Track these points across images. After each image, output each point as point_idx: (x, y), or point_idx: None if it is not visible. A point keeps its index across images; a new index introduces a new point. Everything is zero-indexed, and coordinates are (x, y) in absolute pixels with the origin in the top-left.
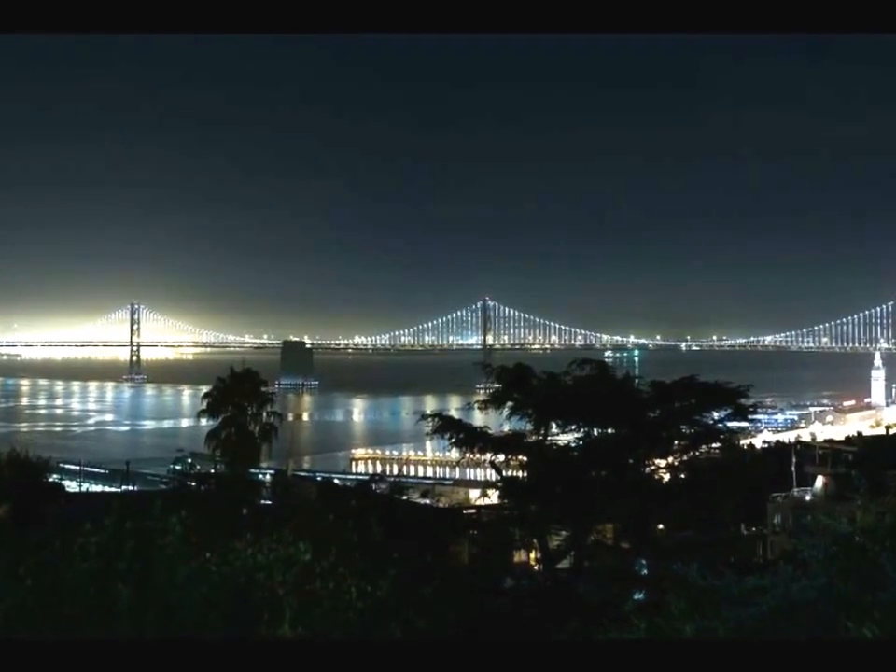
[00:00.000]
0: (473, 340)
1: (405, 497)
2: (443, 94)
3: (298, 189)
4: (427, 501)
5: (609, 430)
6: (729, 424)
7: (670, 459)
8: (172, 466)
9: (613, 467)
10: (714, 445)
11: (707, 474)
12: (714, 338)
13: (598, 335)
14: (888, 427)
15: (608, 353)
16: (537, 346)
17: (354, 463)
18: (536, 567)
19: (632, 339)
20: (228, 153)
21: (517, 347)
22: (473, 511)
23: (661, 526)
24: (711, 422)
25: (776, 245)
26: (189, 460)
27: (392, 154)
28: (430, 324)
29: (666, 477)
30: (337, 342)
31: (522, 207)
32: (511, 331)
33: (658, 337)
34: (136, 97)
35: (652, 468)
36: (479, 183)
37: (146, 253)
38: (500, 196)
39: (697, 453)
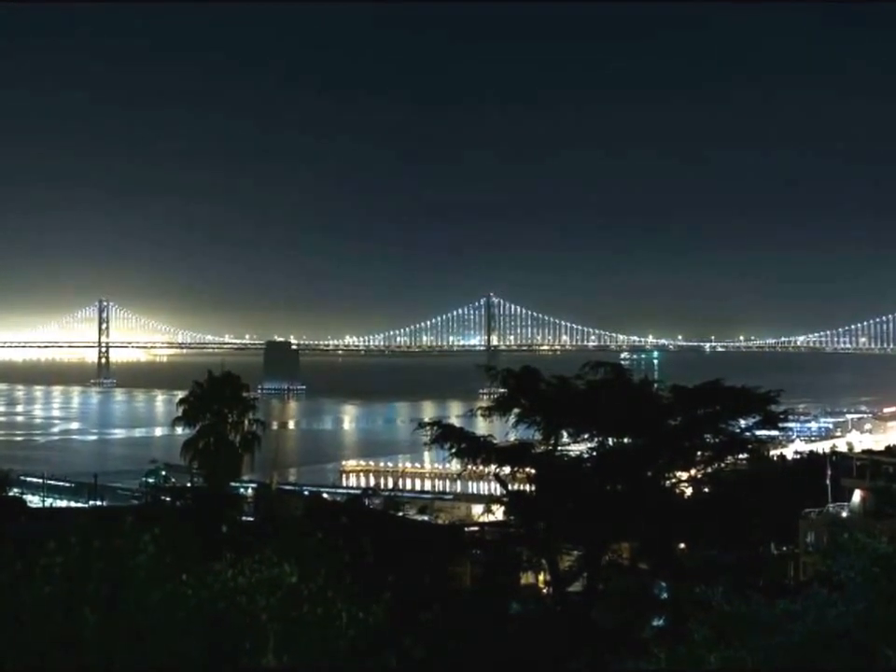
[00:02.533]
0: (476, 340)
1: (401, 514)
2: (443, 67)
3: (283, 174)
4: (426, 518)
5: (626, 440)
6: (757, 432)
7: (693, 472)
8: (144, 479)
9: (630, 480)
10: (741, 456)
11: (734, 488)
12: (741, 338)
13: (614, 335)
14: None
15: (624, 355)
16: (546, 347)
17: (344, 476)
18: (545, 591)
19: (651, 339)
20: (205, 135)
21: (524, 348)
22: (476, 528)
23: (682, 545)
24: (738, 430)
25: (809, 237)
26: (164, 473)
27: (387, 136)
28: (429, 323)
29: (689, 491)
30: (326, 342)
31: (530, 195)
32: (518, 331)
33: (679, 337)
34: (103, 73)
35: (673, 481)
36: (483, 168)
37: (115, 245)
38: (506, 183)
39: (723, 464)
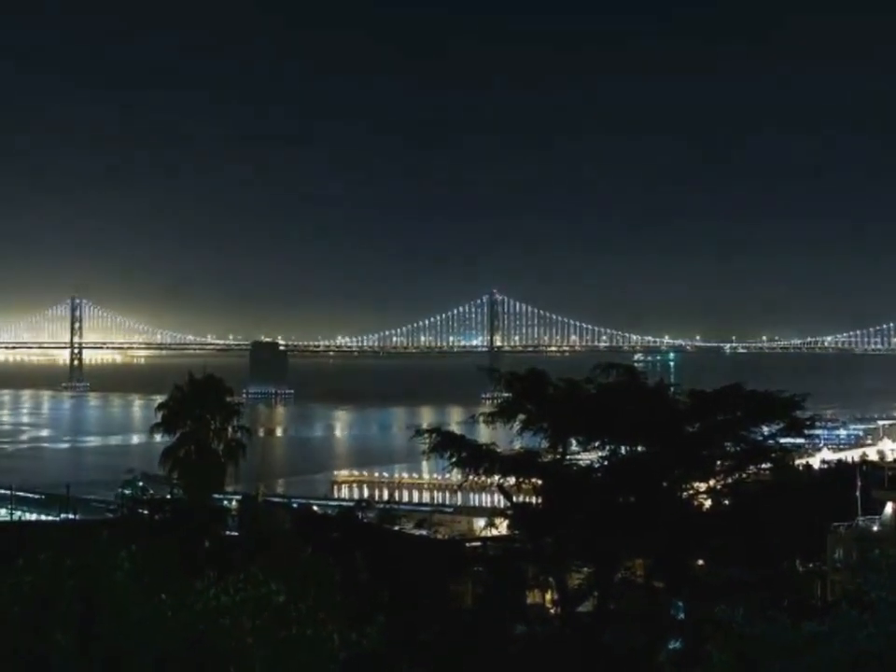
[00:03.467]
0: (478, 340)
1: (397, 528)
2: (443, 47)
3: (271, 161)
4: (424, 532)
5: (640, 448)
6: (782, 440)
7: (712, 482)
8: (120, 490)
9: (644, 491)
10: (764, 466)
11: (756, 500)
12: (764, 338)
13: (627, 335)
14: None
15: (638, 356)
16: (553, 348)
17: (336, 487)
18: (552, 611)
19: (666, 340)
20: (185, 117)
21: (530, 349)
22: (478, 543)
23: (700, 562)
24: (760, 438)
25: (838, 229)
26: (141, 483)
27: (383, 120)
28: (427, 322)
29: (707, 503)
30: (316, 343)
31: (537, 184)
32: (523, 331)
33: (698, 337)
34: (77, 54)
35: (691, 492)
36: (486, 155)
37: (89, 238)
38: (511, 171)
39: (744, 475)
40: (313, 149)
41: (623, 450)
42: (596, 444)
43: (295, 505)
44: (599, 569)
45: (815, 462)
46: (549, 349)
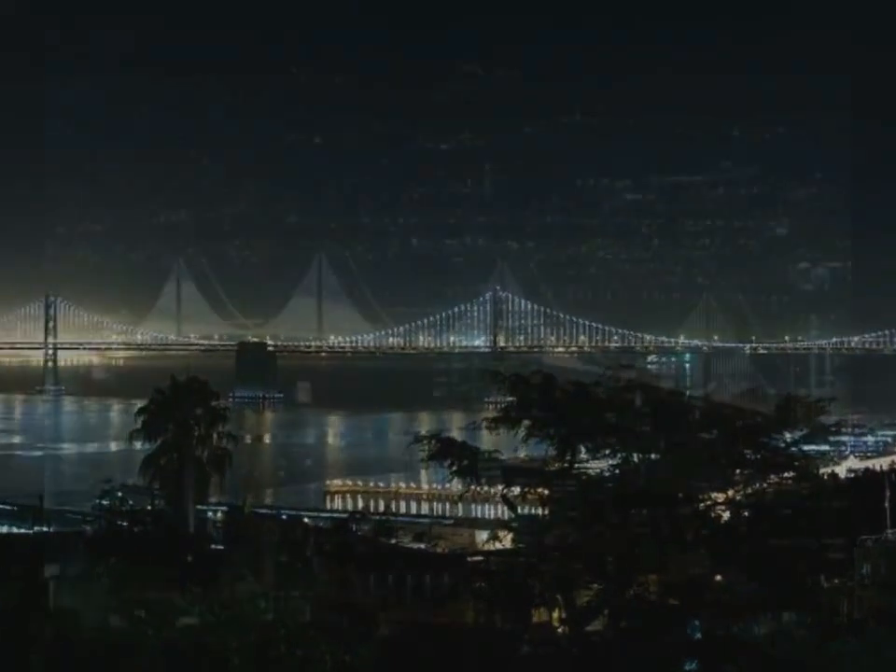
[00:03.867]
0: (480, 341)
1: (393, 541)
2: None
3: (255, 143)
4: (422, 546)
5: (653, 456)
6: (805, 447)
7: (730, 493)
8: (97, 501)
9: (658, 502)
10: (786, 475)
11: (778, 511)
12: (786, 338)
13: (639, 335)
14: None
15: (651, 358)
16: (561, 349)
17: (329, 497)
18: (560, 630)
19: (682, 340)
20: (162, 93)
21: (536, 350)
22: (480, 558)
23: (718, 578)
24: (782, 445)
25: (864, 221)
26: (120, 494)
27: (371, 92)
28: (426, 321)
29: (725, 515)
30: (307, 343)
31: (543, 170)
32: (529, 330)
33: (715, 338)
34: (41, 18)
35: (708, 503)
36: (487, 134)
37: (62, 230)
38: (514, 154)
39: (765, 484)
40: (302, 134)
41: (635, 458)
42: (607, 452)
43: (284, 517)
44: (610, 586)
45: (841, 471)
46: (556, 350)
